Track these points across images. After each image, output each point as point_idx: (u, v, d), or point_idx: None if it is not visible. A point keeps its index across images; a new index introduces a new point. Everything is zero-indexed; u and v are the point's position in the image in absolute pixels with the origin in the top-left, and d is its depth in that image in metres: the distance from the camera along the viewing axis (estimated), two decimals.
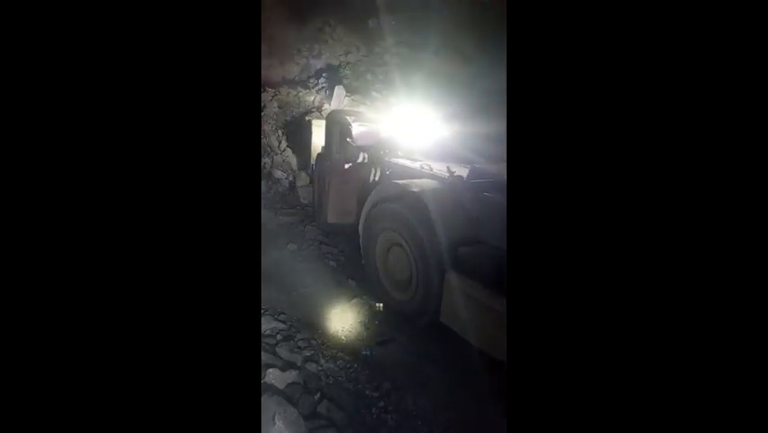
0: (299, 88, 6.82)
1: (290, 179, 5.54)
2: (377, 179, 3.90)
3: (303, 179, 5.63)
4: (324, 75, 7.07)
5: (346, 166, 4.05)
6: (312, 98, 6.58)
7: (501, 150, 1.17)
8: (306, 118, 6.05)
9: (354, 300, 3.35)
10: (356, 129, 4.11)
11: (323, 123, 5.01)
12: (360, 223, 3.56)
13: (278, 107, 6.41)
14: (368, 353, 2.73)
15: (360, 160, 4.05)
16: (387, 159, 3.85)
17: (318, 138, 5.17)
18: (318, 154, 4.77)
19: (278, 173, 5.55)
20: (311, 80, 7.04)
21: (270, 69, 7.26)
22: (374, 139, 4.16)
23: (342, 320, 3.10)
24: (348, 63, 7.19)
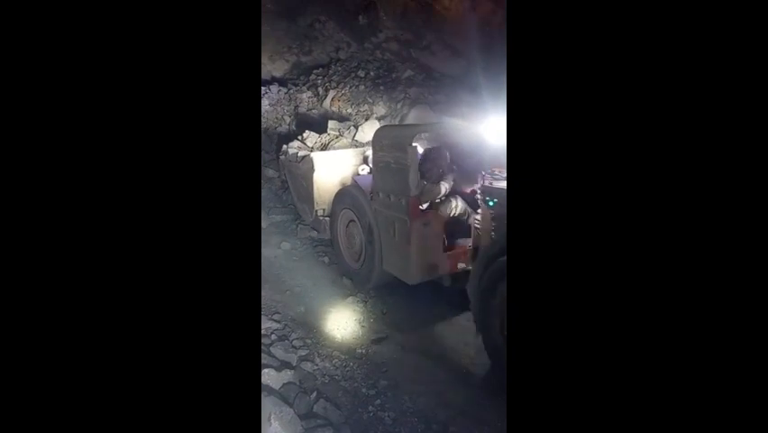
0: (290, 86, 6.77)
1: (282, 177, 5.49)
2: (457, 213, 3.09)
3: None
4: (314, 72, 7.02)
5: (424, 206, 2.99)
6: (303, 95, 6.51)
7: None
8: (297, 152, 4.50)
9: (349, 298, 3.34)
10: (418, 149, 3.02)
11: (326, 156, 4.03)
12: (470, 285, 2.59)
13: (269, 105, 6.36)
14: (363, 351, 2.72)
15: (442, 192, 3.07)
16: (486, 183, 2.74)
17: (325, 175, 3.94)
18: (340, 193, 3.69)
19: (270, 172, 5.50)
20: (302, 77, 7.01)
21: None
22: (442, 158, 3.19)
23: (337, 319, 3.09)
24: (339, 60, 7.15)
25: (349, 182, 3.83)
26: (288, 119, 6.18)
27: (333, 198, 3.91)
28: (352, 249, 3.66)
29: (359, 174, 3.82)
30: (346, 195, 3.66)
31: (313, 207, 4.09)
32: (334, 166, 3.97)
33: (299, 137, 5.32)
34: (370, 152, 3.67)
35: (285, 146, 5.00)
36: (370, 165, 3.52)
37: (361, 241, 3.49)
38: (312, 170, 3.95)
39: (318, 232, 4.28)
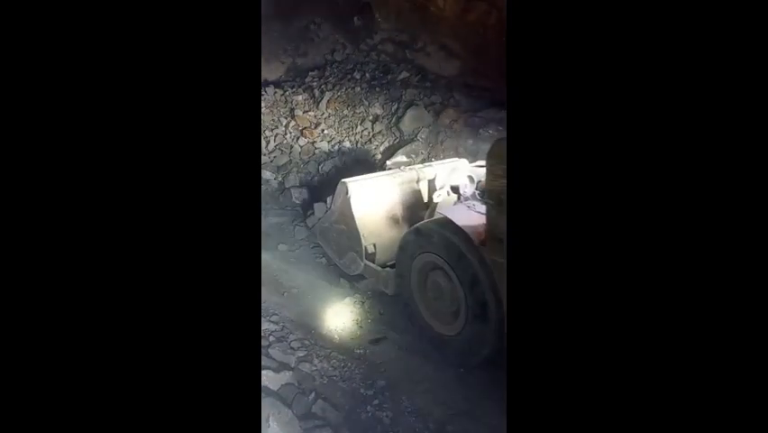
0: (286, 88, 6.78)
1: (279, 179, 5.48)
2: None
3: (292, 181, 5.38)
4: (310, 74, 7.03)
5: None
6: (299, 97, 6.50)
7: None
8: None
9: (347, 299, 3.34)
10: None
11: (363, 183, 3.23)
12: None
13: (265, 108, 6.36)
14: (361, 351, 2.73)
15: None
16: None
17: (366, 204, 3.14)
18: (416, 232, 2.71)
19: (267, 174, 5.50)
20: (297, 79, 7.01)
21: None
22: None
23: (335, 319, 3.09)
24: (335, 61, 7.16)
25: (399, 213, 3.13)
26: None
27: (386, 232, 3.04)
28: (440, 306, 2.67)
29: (433, 201, 2.94)
30: (430, 234, 2.60)
31: (361, 246, 3.10)
32: (376, 194, 3.21)
33: (326, 201, 4.03)
34: (444, 175, 3.03)
35: (314, 205, 4.18)
36: (464, 192, 2.66)
37: (458, 298, 2.51)
38: (348, 198, 3.14)
39: (378, 284, 3.13)
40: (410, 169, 3.40)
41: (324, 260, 4.03)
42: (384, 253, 3.14)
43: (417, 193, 3.29)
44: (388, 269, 3.03)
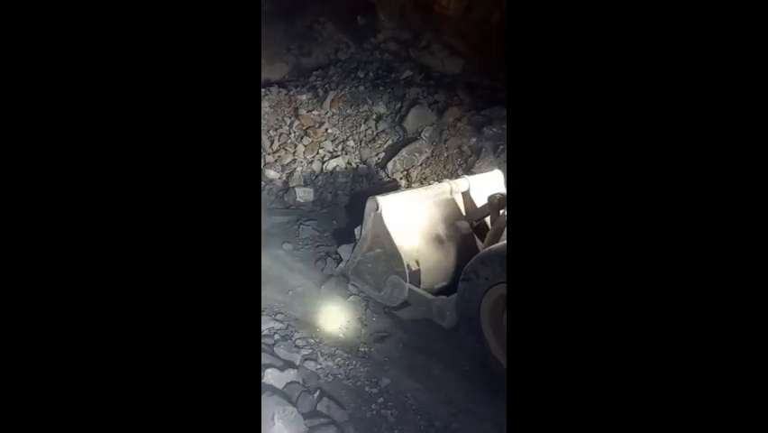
0: (290, 87, 6.79)
1: (284, 178, 5.50)
2: None
3: (296, 180, 5.41)
4: (314, 73, 7.03)
5: None
6: (304, 97, 6.51)
7: None
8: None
9: (351, 297, 3.35)
10: None
11: (394, 199, 2.86)
12: None
13: (269, 107, 6.37)
14: (366, 349, 2.74)
15: None
16: None
17: (399, 219, 2.81)
18: (493, 253, 2.26)
19: (272, 173, 5.51)
20: (301, 79, 7.01)
21: None
22: None
23: (340, 318, 3.10)
24: (338, 60, 7.17)
25: (440, 228, 2.86)
26: None
27: (427, 248, 2.75)
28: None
29: (501, 217, 2.61)
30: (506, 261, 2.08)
31: (402, 265, 2.71)
32: (409, 207, 2.90)
33: (354, 234, 3.59)
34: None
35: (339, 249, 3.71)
36: None
37: None
38: (379, 213, 2.78)
39: (431, 314, 2.71)
40: (439, 182, 3.21)
41: (328, 258, 4.03)
42: (430, 273, 2.79)
43: (452, 204, 3.05)
44: (442, 296, 2.62)
